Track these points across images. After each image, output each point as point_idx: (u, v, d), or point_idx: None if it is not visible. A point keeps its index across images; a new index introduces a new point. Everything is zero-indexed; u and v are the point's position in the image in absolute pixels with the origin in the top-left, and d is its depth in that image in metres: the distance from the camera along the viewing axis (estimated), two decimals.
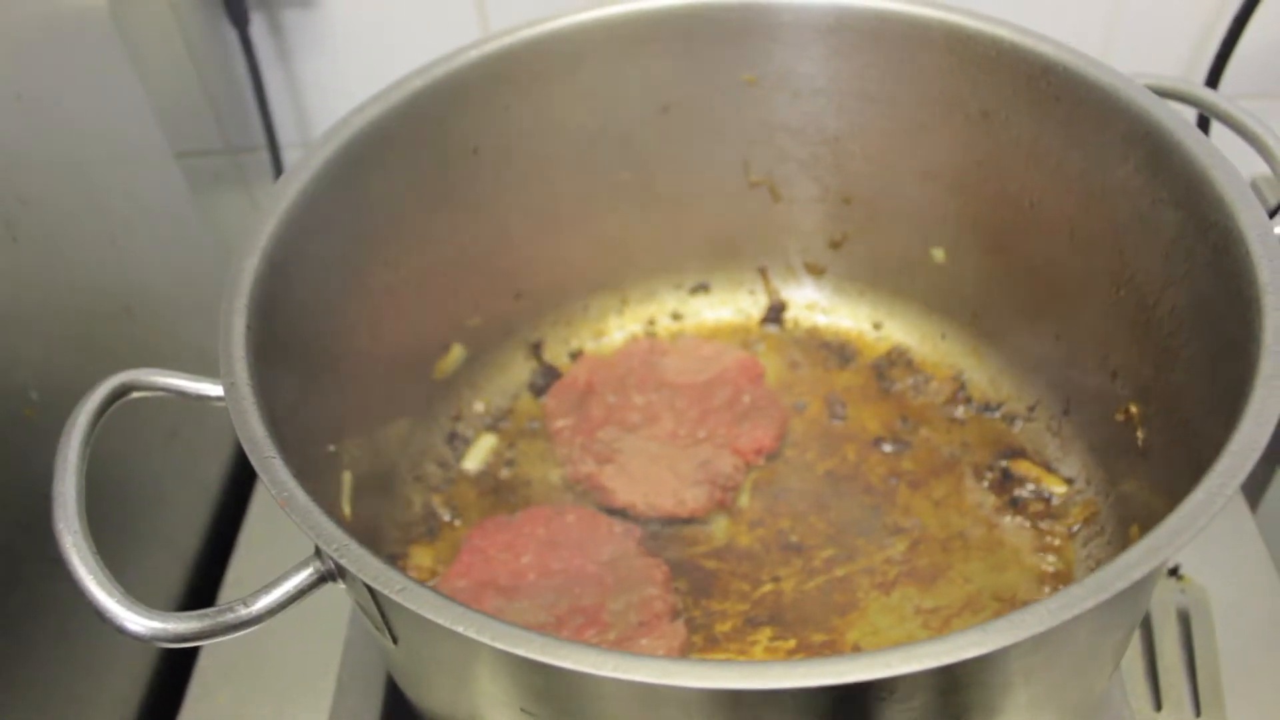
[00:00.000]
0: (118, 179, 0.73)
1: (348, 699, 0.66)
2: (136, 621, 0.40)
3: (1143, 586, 0.44)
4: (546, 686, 0.40)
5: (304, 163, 0.58)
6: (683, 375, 0.75)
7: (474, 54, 0.65)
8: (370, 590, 0.40)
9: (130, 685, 0.70)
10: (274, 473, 0.42)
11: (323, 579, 0.42)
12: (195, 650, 0.74)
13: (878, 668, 0.34)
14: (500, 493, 0.72)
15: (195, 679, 0.72)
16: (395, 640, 0.44)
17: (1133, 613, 0.46)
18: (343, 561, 0.38)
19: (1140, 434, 0.61)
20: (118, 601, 0.40)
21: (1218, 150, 0.52)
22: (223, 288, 0.51)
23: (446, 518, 0.70)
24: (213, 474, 0.83)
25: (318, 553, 0.42)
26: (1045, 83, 0.61)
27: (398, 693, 0.65)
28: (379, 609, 0.42)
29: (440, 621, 0.36)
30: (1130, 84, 0.57)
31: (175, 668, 0.74)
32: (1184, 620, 0.71)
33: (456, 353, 0.74)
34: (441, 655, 0.43)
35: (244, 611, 0.41)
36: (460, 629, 0.35)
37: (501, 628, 0.35)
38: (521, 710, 0.42)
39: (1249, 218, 0.49)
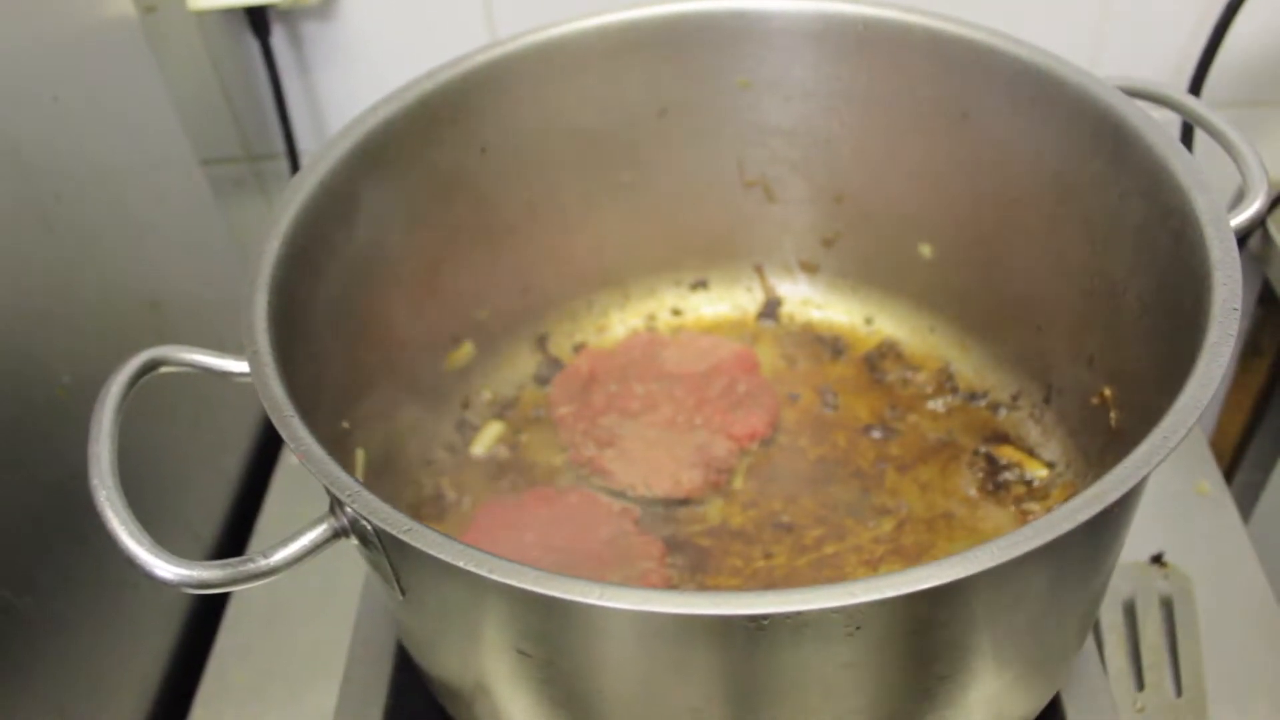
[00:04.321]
0: (145, 183, 0.76)
1: (358, 679, 0.69)
2: (165, 568, 0.43)
3: (1094, 538, 0.47)
4: (542, 624, 0.43)
5: (322, 156, 0.60)
6: (681, 366, 0.78)
7: (481, 58, 0.68)
8: (379, 537, 0.43)
9: (152, 663, 0.73)
10: (293, 429, 0.45)
11: (337, 534, 0.45)
12: (213, 630, 0.77)
13: (842, 596, 0.36)
14: (506, 475, 0.74)
15: (213, 659, 0.76)
16: (404, 592, 0.47)
17: (1090, 568, 0.49)
18: (354, 506, 0.42)
19: (1114, 415, 0.63)
20: (147, 550, 0.43)
21: (1176, 141, 0.55)
22: (245, 270, 0.54)
23: (454, 499, 0.73)
24: (233, 461, 0.86)
25: (332, 510, 0.45)
26: (1021, 84, 0.64)
27: (407, 673, 0.68)
28: (388, 559, 0.45)
29: (443, 557, 0.39)
30: (1098, 82, 0.60)
31: (194, 648, 0.77)
32: (1167, 606, 0.74)
33: (467, 349, 0.77)
34: (445, 598, 0.46)
35: (264, 562, 0.43)
36: (461, 564, 0.38)
37: (498, 562, 0.38)
38: (519, 652, 0.45)
39: (1204, 202, 0.52)
